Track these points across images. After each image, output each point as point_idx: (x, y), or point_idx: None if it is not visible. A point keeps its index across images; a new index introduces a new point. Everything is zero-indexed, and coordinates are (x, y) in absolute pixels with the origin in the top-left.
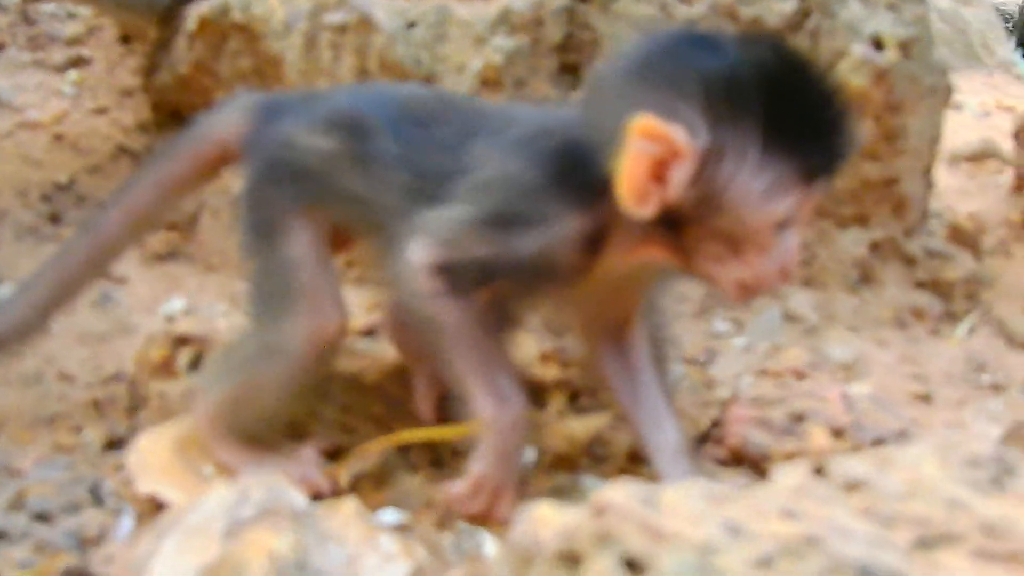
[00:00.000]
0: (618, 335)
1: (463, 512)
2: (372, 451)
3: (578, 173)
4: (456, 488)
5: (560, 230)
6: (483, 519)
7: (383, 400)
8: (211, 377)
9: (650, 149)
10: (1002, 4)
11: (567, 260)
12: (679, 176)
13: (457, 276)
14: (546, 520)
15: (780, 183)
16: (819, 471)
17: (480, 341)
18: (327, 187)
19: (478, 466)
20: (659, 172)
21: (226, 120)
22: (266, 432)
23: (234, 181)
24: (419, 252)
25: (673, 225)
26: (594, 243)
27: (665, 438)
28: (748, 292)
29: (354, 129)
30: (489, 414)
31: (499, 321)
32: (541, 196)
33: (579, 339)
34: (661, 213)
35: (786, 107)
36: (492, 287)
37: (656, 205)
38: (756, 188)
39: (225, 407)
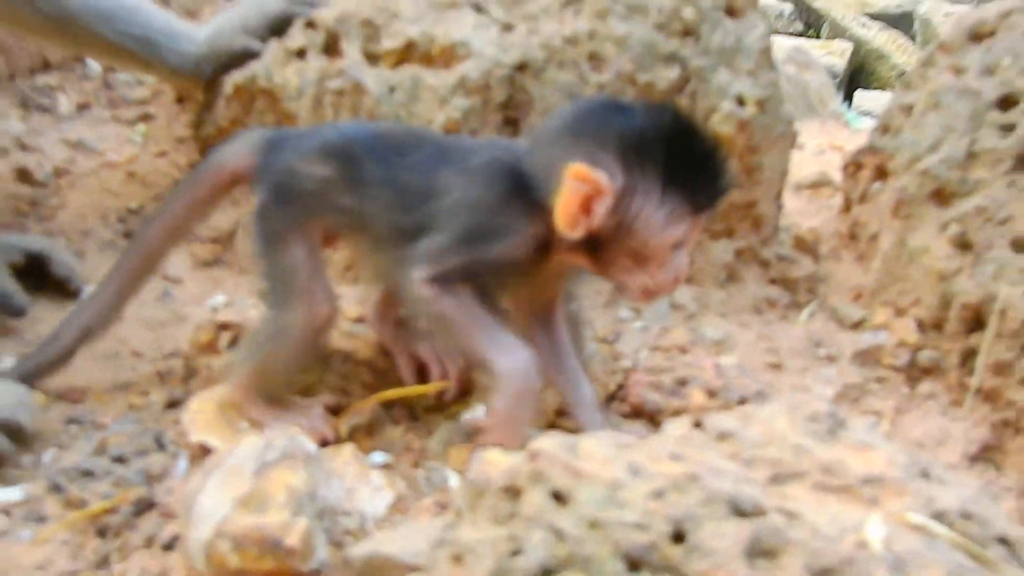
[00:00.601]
0: (544, 317)
1: (487, 441)
2: (364, 408)
3: (528, 195)
4: (482, 423)
5: (519, 237)
6: (503, 445)
7: (372, 371)
8: (241, 355)
9: (580, 188)
10: (832, 66)
11: (525, 259)
12: (600, 209)
13: (446, 279)
14: (494, 463)
15: (676, 214)
16: (698, 425)
17: (476, 314)
18: (323, 205)
19: (501, 404)
20: (586, 205)
21: (237, 152)
22: (284, 394)
23: None
24: (416, 275)
25: (595, 244)
26: (544, 247)
27: (582, 397)
28: (650, 295)
29: (344, 157)
30: (502, 366)
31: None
32: (502, 212)
33: (514, 320)
34: (586, 235)
35: (680, 157)
36: (473, 283)
37: (583, 230)
38: (658, 218)
39: (252, 376)
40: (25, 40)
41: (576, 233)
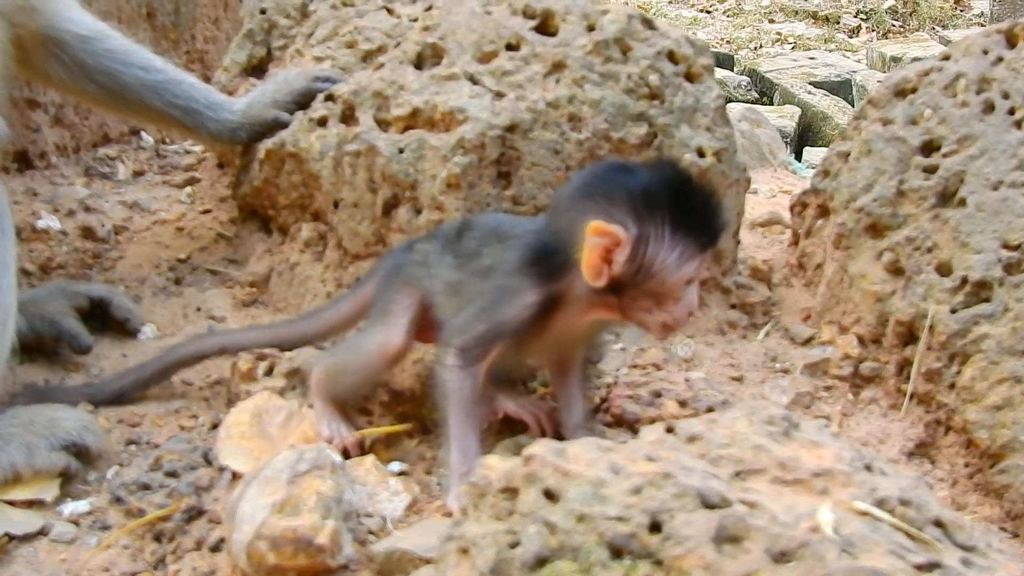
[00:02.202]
0: (565, 359)
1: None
2: (382, 431)
3: (541, 261)
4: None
5: (530, 299)
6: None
7: (390, 393)
8: (324, 356)
9: (600, 242)
10: (783, 127)
11: (531, 319)
12: (620, 258)
13: (469, 352)
14: (493, 467)
15: (686, 254)
16: (670, 430)
17: (468, 409)
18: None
19: (451, 497)
20: (607, 257)
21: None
22: (345, 400)
23: (294, 254)
24: (449, 341)
25: (615, 290)
26: (549, 308)
27: (572, 417)
28: (669, 330)
29: (428, 247)
30: (455, 463)
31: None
32: (514, 276)
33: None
34: (609, 284)
35: (683, 204)
36: (493, 352)
37: (607, 278)
38: (671, 259)
39: (325, 374)
40: (87, 110)
41: (600, 282)
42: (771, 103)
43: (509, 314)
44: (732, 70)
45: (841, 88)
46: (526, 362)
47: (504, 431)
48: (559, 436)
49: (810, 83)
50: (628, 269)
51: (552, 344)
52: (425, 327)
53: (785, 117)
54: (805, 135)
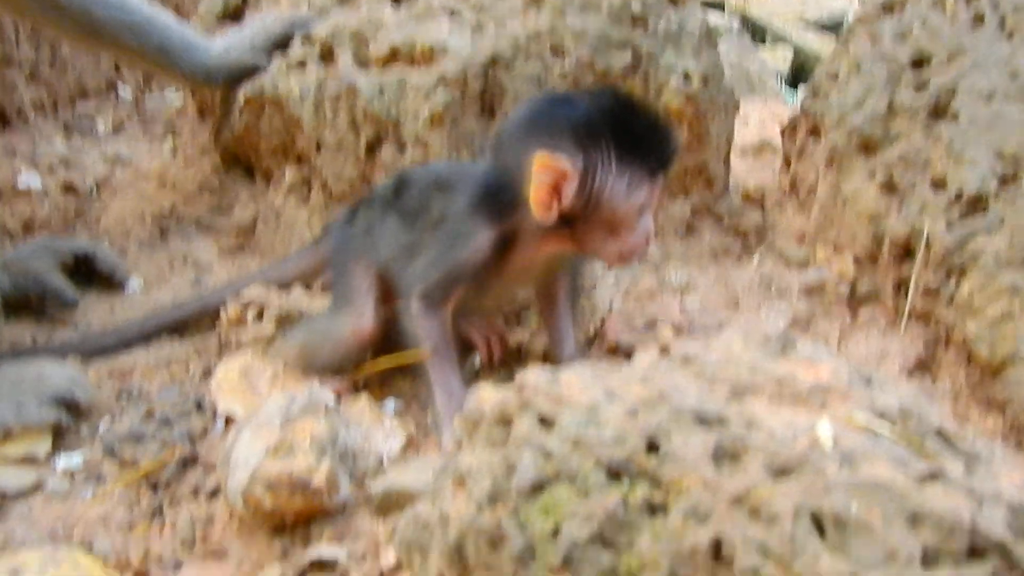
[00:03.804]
0: (547, 290)
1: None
2: (373, 369)
3: (491, 201)
4: (442, 441)
5: (484, 240)
6: None
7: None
8: (295, 332)
9: (547, 176)
10: (776, 69)
11: (487, 259)
12: (568, 191)
13: (432, 297)
14: (487, 397)
15: (635, 182)
16: (664, 352)
17: (443, 352)
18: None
19: (445, 439)
20: (555, 190)
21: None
22: (321, 373)
23: (279, 200)
24: (410, 291)
25: (570, 224)
26: (504, 246)
27: (564, 349)
28: (625, 259)
29: (369, 215)
30: (442, 406)
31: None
32: (466, 220)
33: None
34: (560, 217)
35: (628, 131)
36: (454, 295)
37: (556, 212)
38: (620, 188)
39: (297, 355)
40: (63, 66)
41: (550, 217)
42: (763, 44)
43: (464, 256)
44: (723, 11)
45: (834, 28)
46: (493, 302)
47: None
48: (510, 359)
49: (802, 23)
50: (578, 201)
51: (514, 282)
52: (390, 295)
53: (778, 58)
54: (799, 75)
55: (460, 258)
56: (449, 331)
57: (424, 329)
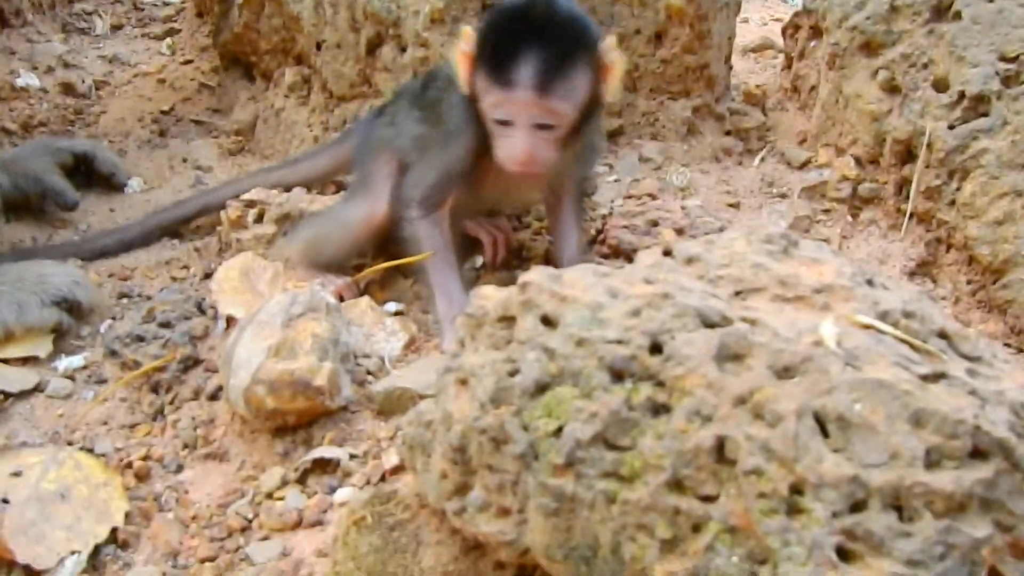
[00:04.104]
0: (557, 195)
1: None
2: (375, 271)
3: (466, 108)
4: (443, 344)
5: (463, 138)
6: None
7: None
8: (301, 228)
9: (461, 47)
10: None
11: (472, 158)
12: (463, 65)
13: (428, 202)
14: (489, 296)
15: (487, 86)
16: (667, 253)
17: (442, 255)
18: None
19: (446, 342)
20: (461, 63)
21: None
22: (327, 265)
23: (279, 100)
24: (407, 196)
25: None
26: (487, 148)
27: (567, 250)
28: (507, 166)
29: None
30: (442, 310)
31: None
32: (457, 118)
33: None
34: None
35: (496, 40)
36: (449, 196)
37: (468, 86)
38: (481, 86)
39: (307, 246)
40: None
41: (465, 88)
42: None
43: (453, 155)
44: None
45: None
46: (493, 202)
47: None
48: (512, 260)
49: None
50: (470, 83)
51: (505, 182)
52: None
53: None
54: None
55: (450, 158)
56: (448, 235)
57: (423, 231)
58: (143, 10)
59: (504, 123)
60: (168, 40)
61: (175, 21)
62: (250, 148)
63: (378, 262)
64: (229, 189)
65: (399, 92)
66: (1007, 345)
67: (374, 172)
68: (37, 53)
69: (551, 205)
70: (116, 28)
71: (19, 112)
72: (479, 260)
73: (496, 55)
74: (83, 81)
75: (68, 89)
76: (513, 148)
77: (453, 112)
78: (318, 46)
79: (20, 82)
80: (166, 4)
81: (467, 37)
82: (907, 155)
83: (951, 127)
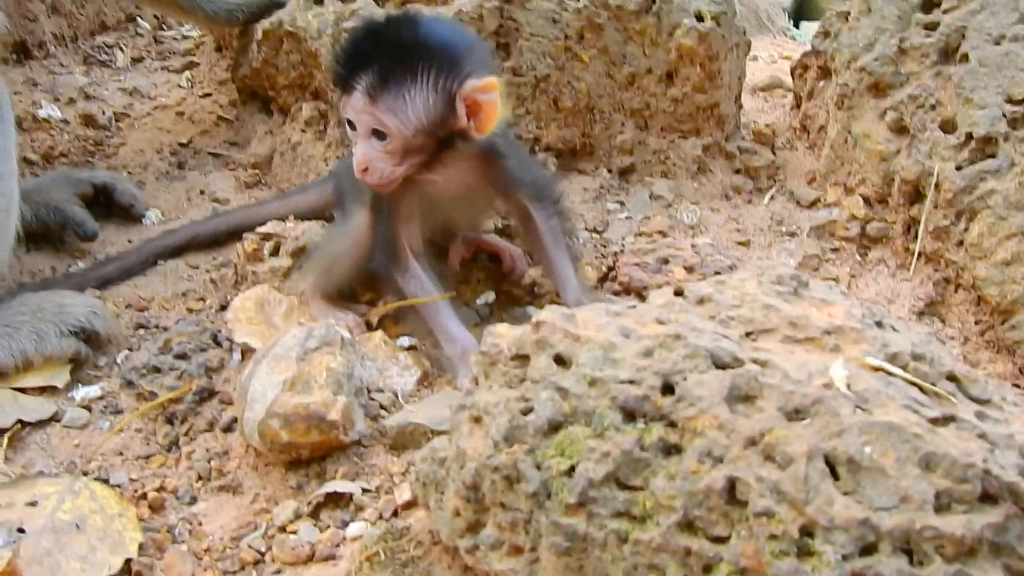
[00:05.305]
0: (529, 234)
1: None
2: (384, 310)
3: None
4: (457, 381)
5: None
6: None
7: None
8: (311, 259)
9: None
10: (780, 1)
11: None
12: None
13: (393, 256)
14: (503, 335)
15: (338, 89)
16: (679, 293)
17: (432, 303)
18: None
19: (459, 379)
20: None
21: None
22: (339, 292)
23: (295, 134)
24: (376, 265)
25: None
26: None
27: (569, 295)
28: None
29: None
30: (448, 349)
31: (435, 268)
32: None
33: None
34: None
35: (351, 46)
36: (403, 238)
37: None
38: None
39: (317, 276)
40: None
41: None
42: None
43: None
44: None
45: None
46: (454, 222)
47: (510, 301)
48: (528, 295)
49: None
50: None
51: (450, 197)
52: None
53: None
54: (802, 10)
55: (386, 206)
56: (425, 274)
57: (408, 289)
58: (163, 44)
59: (351, 128)
60: (187, 74)
61: (194, 55)
62: (267, 181)
63: (388, 301)
64: (220, 220)
65: None
66: (1016, 386)
67: (357, 184)
68: (59, 85)
69: (531, 247)
70: (136, 61)
71: (40, 143)
72: (491, 296)
73: (341, 60)
74: (103, 113)
75: (89, 121)
76: (355, 155)
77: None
78: None
79: (42, 113)
80: (186, 38)
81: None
82: (915, 195)
83: (959, 168)
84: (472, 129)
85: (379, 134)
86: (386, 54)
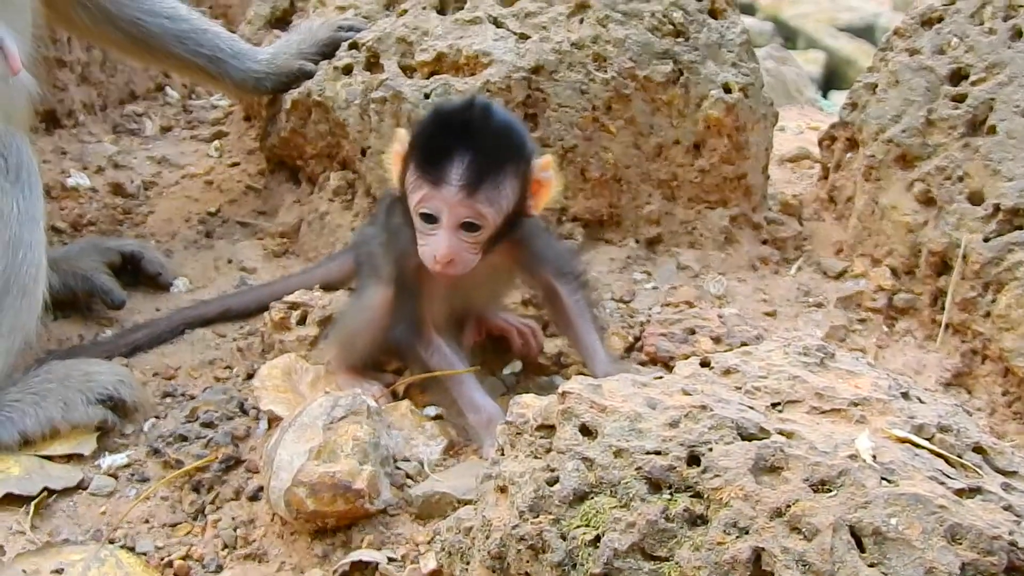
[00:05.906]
0: (554, 307)
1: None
2: (409, 381)
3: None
4: (483, 451)
5: (402, 240)
6: None
7: None
8: (333, 331)
9: (394, 147)
10: (809, 73)
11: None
12: (396, 166)
13: (417, 334)
14: (530, 405)
15: (417, 182)
16: (705, 364)
17: (456, 376)
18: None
19: (485, 449)
20: (395, 163)
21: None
22: (363, 362)
23: (323, 204)
24: (398, 341)
25: None
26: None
27: (598, 367)
28: (428, 263)
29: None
30: (473, 420)
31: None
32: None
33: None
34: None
35: (430, 138)
36: (427, 317)
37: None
38: (410, 181)
39: (340, 348)
40: (113, 68)
41: (396, 185)
42: (795, 48)
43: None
44: (754, 16)
45: (865, 32)
46: (472, 301)
47: (537, 370)
48: (555, 365)
49: (834, 27)
50: (401, 182)
51: (474, 277)
52: None
53: (810, 62)
54: (831, 80)
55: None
56: (448, 348)
57: (432, 363)
58: (192, 112)
59: (430, 221)
60: (216, 143)
61: (223, 124)
62: (294, 250)
63: (413, 372)
64: (252, 295)
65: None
66: None
67: (377, 260)
68: (88, 153)
69: (557, 322)
70: (165, 130)
71: (69, 211)
72: (518, 365)
73: (428, 152)
74: (132, 181)
75: (117, 189)
76: (436, 246)
77: (387, 214)
78: (363, 152)
79: (71, 182)
80: (215, 107)
81: (401, 138)
82: (942, 266)
83: (986, 239)
84: (532, 206)
85: (470, 226)
86: (477, 147)
